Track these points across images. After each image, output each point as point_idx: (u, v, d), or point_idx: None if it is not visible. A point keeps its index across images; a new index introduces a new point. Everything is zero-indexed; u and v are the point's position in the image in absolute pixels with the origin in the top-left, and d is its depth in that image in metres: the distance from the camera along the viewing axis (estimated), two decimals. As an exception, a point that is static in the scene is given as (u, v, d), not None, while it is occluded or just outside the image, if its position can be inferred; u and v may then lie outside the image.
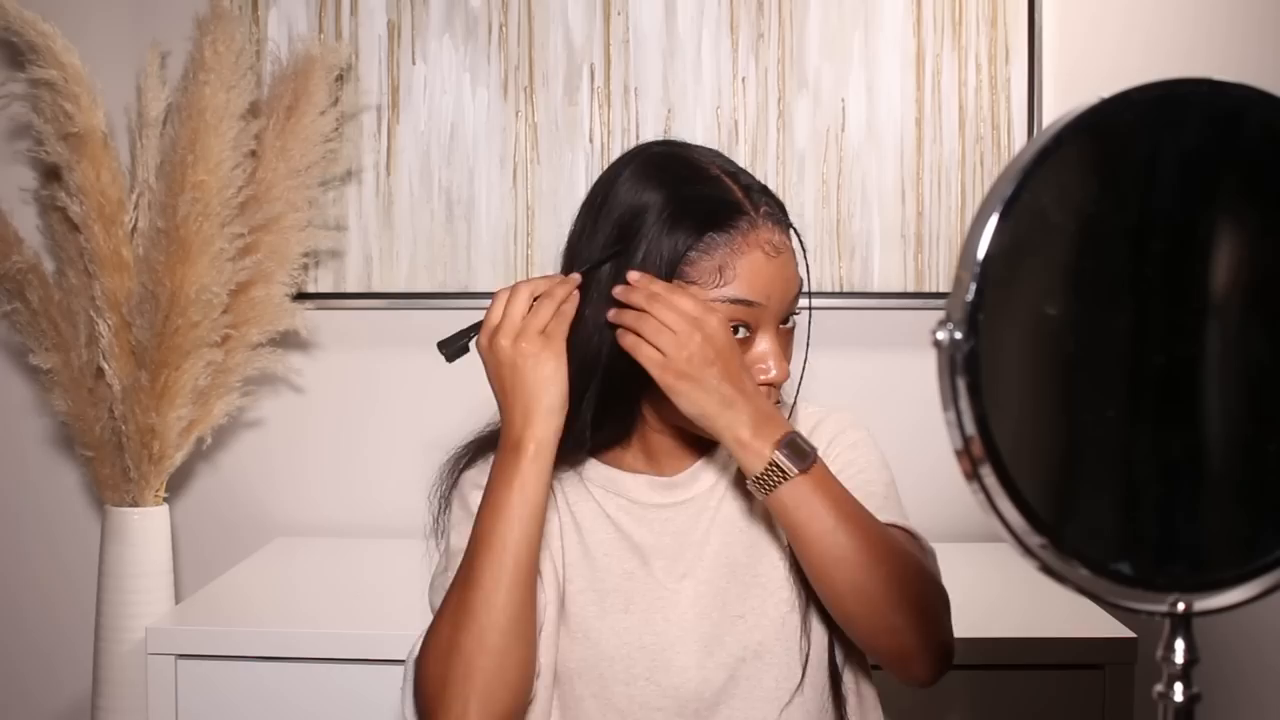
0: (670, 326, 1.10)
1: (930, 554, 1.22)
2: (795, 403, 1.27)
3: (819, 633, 1.21)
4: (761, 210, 1.16)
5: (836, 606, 1.15)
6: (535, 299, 1.13)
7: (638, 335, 1.11)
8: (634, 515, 1.23)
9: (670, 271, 1.14)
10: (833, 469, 1.19)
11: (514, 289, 1.14)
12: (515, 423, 1.12)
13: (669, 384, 1.11)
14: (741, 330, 1.15)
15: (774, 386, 1.17)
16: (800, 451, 1.12)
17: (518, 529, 1.11)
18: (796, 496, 1.11)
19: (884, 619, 1.12)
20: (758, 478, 1.12)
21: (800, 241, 1.22)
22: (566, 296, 1.13)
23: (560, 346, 1.12)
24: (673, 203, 1.15)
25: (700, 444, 1.24)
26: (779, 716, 1.18)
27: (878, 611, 1.12)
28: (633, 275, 1.13)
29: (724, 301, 1.13)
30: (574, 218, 1.23)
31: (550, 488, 1.16)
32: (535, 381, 1.11)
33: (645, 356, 1.11)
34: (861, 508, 1.15)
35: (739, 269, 1.14)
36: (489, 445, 1.24)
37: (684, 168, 1.18)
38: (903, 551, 1.15)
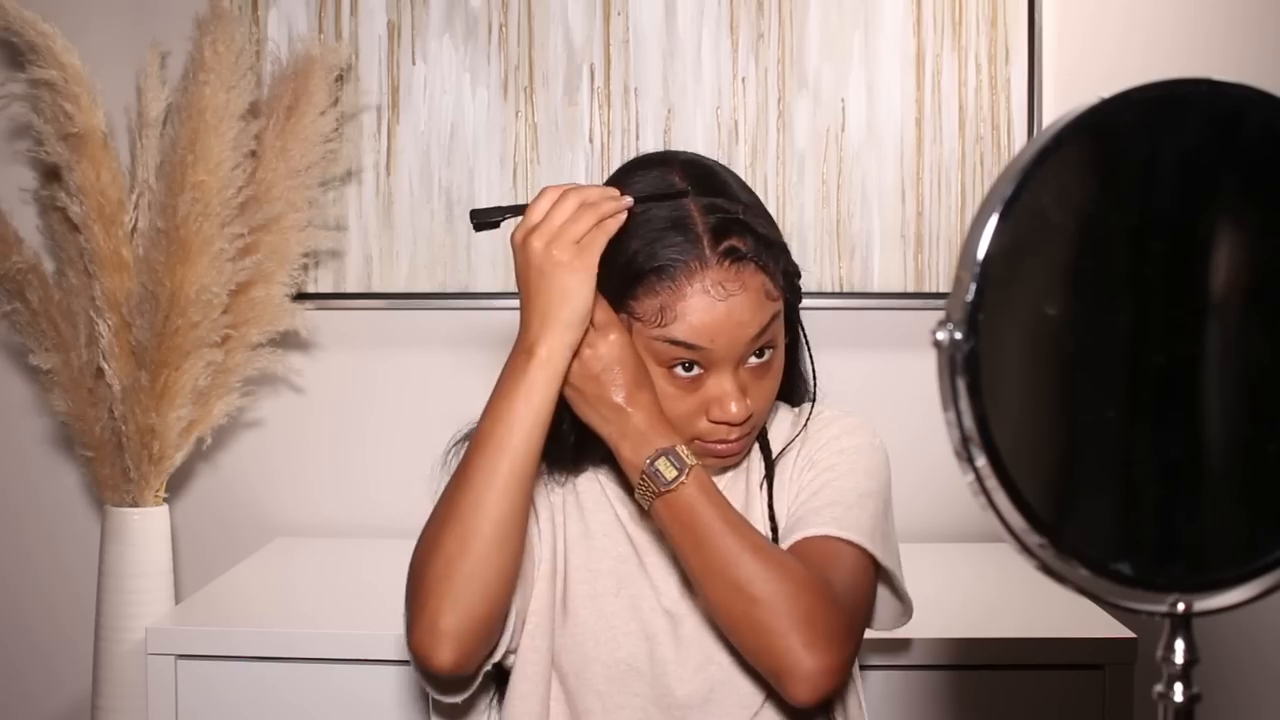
0: None
1: (849, 575, 1.17)
2: (810, 411, 1.27)
3: None
4: (721, 248, 1.13)
5: (714, 617, 1.16)
6: (581, 207, 1.10)
7: None
8: (630, 508, 1.24)
9: (619, 302, 1.14)
10: (815, 466, 1.21)
11: (564, 193, 1.11)
12: (531, 327, 1.11)
13: (566, 396, 1.13)
14: (695, 368, 1.15)
15: (733, 425, 1.16)
16: (675, 466, 1.12)
17: (517, 435, 1.10)
18: (670, 511, 1.12)
19: (756, 636, 1.11)
20: (638, 491, 1.14)
21: (788, 268, 1.18)
22: (613, 213, 1.11)
23: (592, 260, 1.09)
24: (632, 236, 1.13)
25: None
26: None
27: (749, 628, 1.11)
28: None
29: (664, 342, 1.13)
30: None
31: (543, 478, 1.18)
32: (559, 290, 1.09)
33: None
34: (744, 525, 1.13)
35: (680, 311, 1.12)
36: None
37: (662, 194, 1.16)
38: (787, 571, 1.12)
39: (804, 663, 1.09)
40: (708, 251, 1.12)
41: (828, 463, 1.23)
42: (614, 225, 1.11)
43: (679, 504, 1.12)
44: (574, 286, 1.09)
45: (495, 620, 1.13)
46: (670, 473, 1.12)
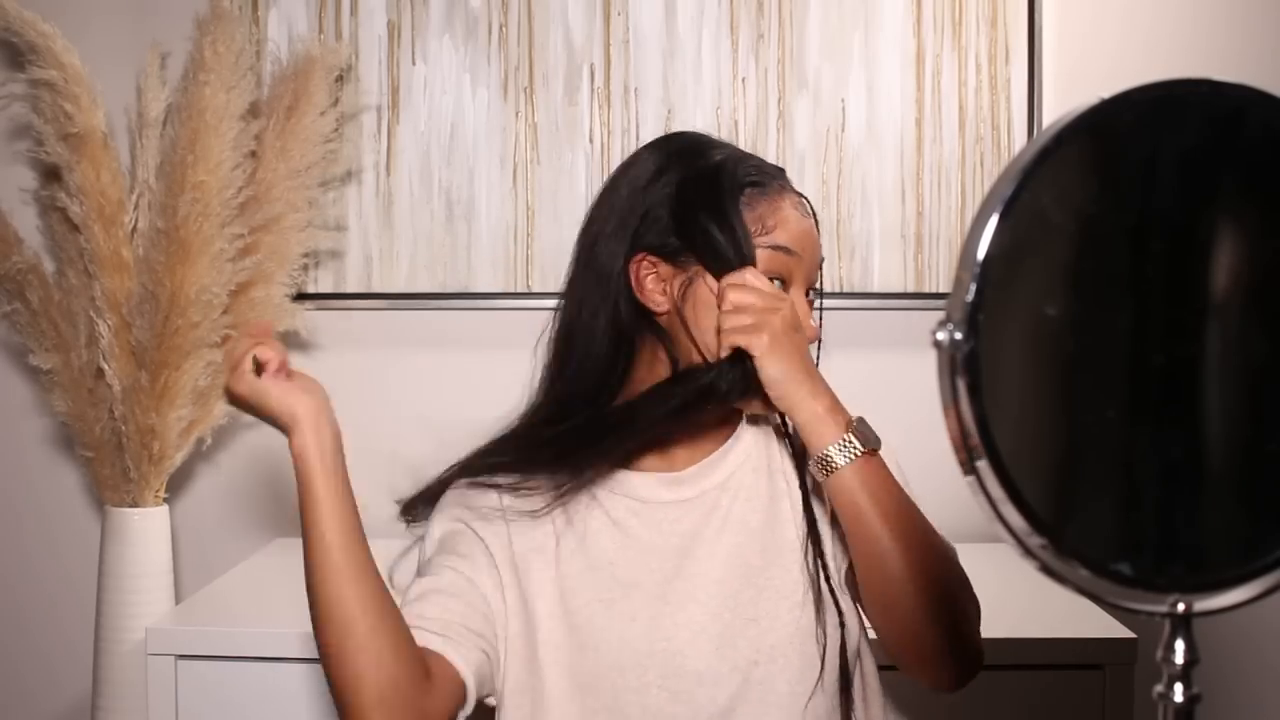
0: (755, 300, 1.13)
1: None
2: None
3: (834, 632, 1.19)
4: (788, 190, 1.22)
5: (875, 601, 1.16)
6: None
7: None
8: (642, 517, 1.21)
9: (722, 221, 1.17)
10: None
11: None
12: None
13: (764, 348, 1.13)
14: (776, 283, 1.18)
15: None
16: (869, 435, 1.15)
17: (314, 532, 1.16)
18: (860, 477, 1.14)
19: (918, 621, 1.13)
20: (824, 456, 1.14)
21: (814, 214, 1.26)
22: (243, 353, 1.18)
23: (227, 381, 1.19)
24: (706, 169, 1.19)
25: (714, 438, 1.24)
26: None
27: (914, 612, 1.13)
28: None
29: (768, 249, 1.17)
30: (581, 218, 1.24)
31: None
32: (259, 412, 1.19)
33: (733, 324, 1.13)
34: (915, 506, 1.17)
35: (779, 219, 1.19)
36: (469, 469, 1.25)
37: (703, 146, 1.23)
38: (949, 557, 1.17)
39: (960, 652, 1.17)
40: (780, 176, 1.22)
41: None
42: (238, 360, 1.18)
43: (869, 471, 1.14)
44: (268, 407, 1.20)
45: (414, 681, 1.09)
46: (870, 440, 1.15)
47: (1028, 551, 0.64)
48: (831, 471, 1.14)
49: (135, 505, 1.97)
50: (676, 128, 2.06)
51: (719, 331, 1.15)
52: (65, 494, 2.20)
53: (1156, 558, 0.64)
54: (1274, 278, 0.64)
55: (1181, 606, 0.64)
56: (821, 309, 1.25)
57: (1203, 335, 0.63)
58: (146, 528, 1.97)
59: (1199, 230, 0.64)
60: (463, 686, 1.13)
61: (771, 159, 2.06)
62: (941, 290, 2.07)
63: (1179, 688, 0.65)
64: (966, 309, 0.62)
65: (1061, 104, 2.03)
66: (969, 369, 0.62)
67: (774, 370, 1.13)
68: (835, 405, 1.15)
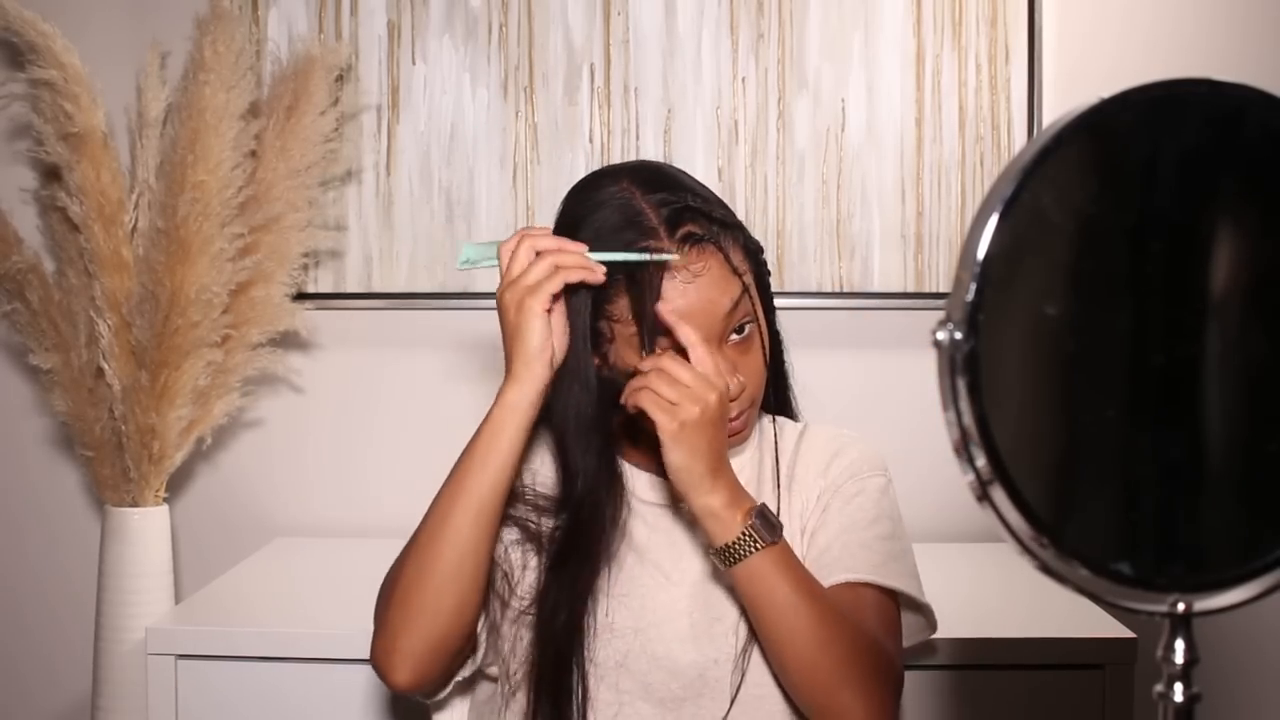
0: (685, 383, 1.11)
1: (888, 622, 1.23)
2: (786, 420, 1.31)
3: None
4: (678, 236, 1.16)
5: (785, 678, 1.17)
6: (538, 255, 1.15)
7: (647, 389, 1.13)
8: (635, 511, 1.25)
9: (595, 312, 1.16)
10: (829, 509, 1.24)
11: (519, 241, 1.16)
12: (506, 374, 1.16)
13: (670, 434, 1.12)
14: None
15: (731, 401, 1.18)
16: (769, 525, 1.14)
17: (481, 473, 1.15)
18: (760, 569, 1.14)
19: (828, 695, 1.14)
20: (724, 547, 1.14)
21: (748, 245, 1.22)
22: (572, 266, 1.14)
23: (538, 301, 1.13)
24: (590, 244, 1.16)
25: None
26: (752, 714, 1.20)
27: (822, 687, 1.14)
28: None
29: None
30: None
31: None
32: (515, 335, 1.14)
33: (651, 402, 1.12)
34: (819, 587, 1.17)
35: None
36: None
37: (608, 204, 1.19)
38: (856, 631, 1.16)
39: (887, 701, 1.16)
40: (665, 241, 1.16)
41: (856, 503, 1.26)
42: (573, 276, 1.14)
43: (769, 562, 1.14)
44: (524, 327, 1.13)
45: (452, 643, 1.17)
46: (769, 531, 1.14)
47: (1028, 551, 0.64)
48: (731, 564, 1.15)
49: (135, 505, 1.97)
50: (676, 127, 2.06)
51: (631, 388, 1.15)
52: (65, 494, 2.20)
53: (1156, 558, 0.64)
54: (1274, 278, 0.64)
55: (1181, 606, 0.65)
56: (772, 323, 1.25)
57: (1203, 335, 0.63)
58: (146, 528, 1.97)
59: (1199, 230, 0.64)
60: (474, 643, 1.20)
61: (771, 159, 2.07)
62: (941, 290, 2.06)
63: (1179, 687, 0.65)
64: (966, 309, 0.62)
65: (1061, 104, 2.03)
66: (969, 369, 0.62)
67: (675, 458, 1.13)
68: (734, 499, 1.14)
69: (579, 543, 1.21)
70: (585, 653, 1.20)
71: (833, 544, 1.23)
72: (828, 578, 1.20)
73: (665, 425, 1.11)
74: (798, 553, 1.20)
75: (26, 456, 2.20)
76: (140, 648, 1.78)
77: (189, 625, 1.73)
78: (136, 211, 1.95)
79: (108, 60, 2.04)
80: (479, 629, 1.21)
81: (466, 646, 1.20)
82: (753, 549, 1.13)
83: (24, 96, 1.98)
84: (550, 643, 1.19)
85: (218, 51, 1.90)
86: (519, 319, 1.14)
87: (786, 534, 1.21)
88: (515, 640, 1.22)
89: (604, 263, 1.15)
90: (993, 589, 1.84)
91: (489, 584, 1.20)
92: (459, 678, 1.23)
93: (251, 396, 2.10)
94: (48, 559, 2.20)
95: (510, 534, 1.24)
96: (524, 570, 1.23)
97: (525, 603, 1.22)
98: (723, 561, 1.15)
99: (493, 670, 1.25)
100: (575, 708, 1.19)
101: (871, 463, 1.29)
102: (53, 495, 2.20)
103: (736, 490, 1.15)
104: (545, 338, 1.14)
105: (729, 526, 1.13)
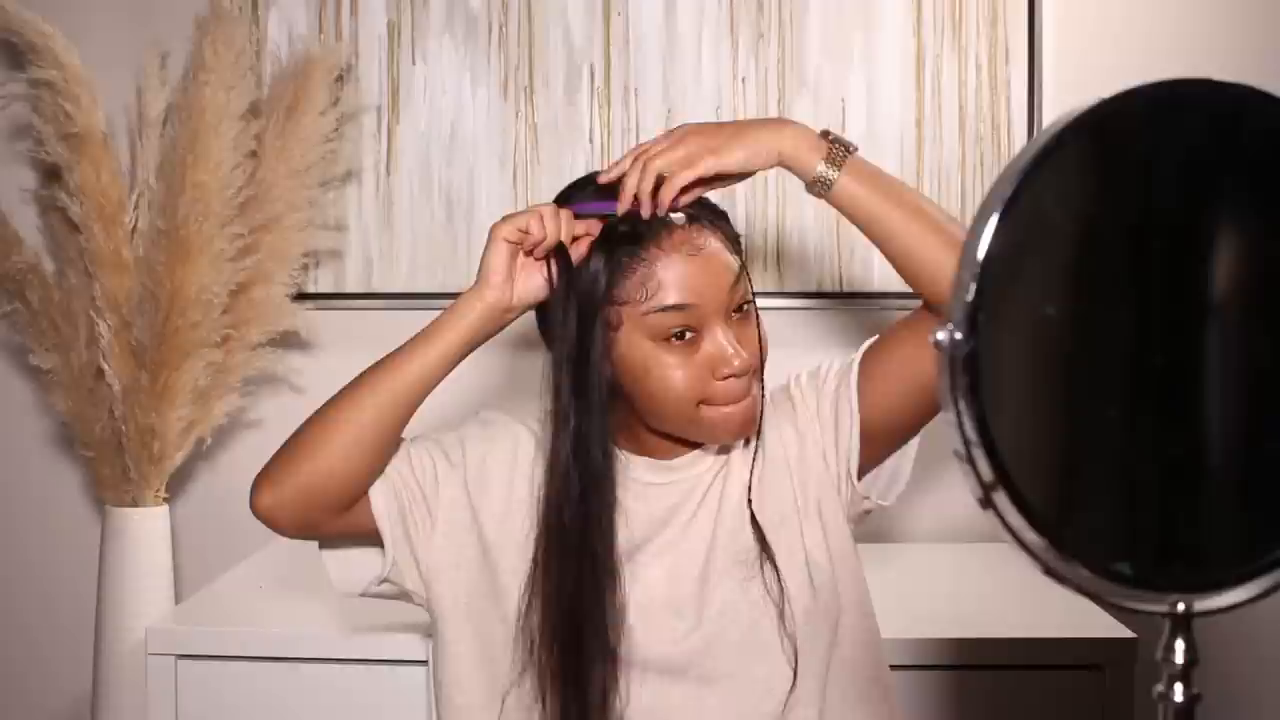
0: (653, 141, 1.20)
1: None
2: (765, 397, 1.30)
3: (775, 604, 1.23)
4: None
5: (910, 269, 1.21)
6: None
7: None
8: (632, 491, 1.26)
9: (605, 300, 1.17)
10: (812, 391, 1.28)
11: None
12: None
13: (707, 150, 1.18)
14: (687, 334, 1.18)
15: (741, 376, 1.19)
16: (842, 141, 1.22)
17: (402, 358, 1.24)
18: (860, 175, 1.21)
19: (945, 262, 1.17)
20: (818, 176, 1.20)
21: (728, 232, 1.24)
22: (549, 216, 1.19)
23: (508, 231, 1.19)
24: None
25: (691, 442, 1.27)
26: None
27: (941, 258, 1.18)
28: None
29: (657, 313, 1.17)
30: None
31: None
32: (483, 253, 1.21)
33: (654, 158, 1.18)
34: (902, 183, 1.26)
35: (661, 279, 1.17)
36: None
37: (606, 187, 1.23)
38: (937, 209, 1.25)
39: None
40: (664, 223, 1.20)
41: (807, 383, 1.30)
42: (549, 226, 1.19)
43: (862, 165, 1.22)
44: (486, 249, 1.20)
45: (320, 498, 1.21)
46: (844, 140, 1.22)
47: (1028, 551, 0.64)
48: (829, 187, 1.20)
49: (135, 505, 1.97)
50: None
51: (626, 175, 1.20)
52: (65, 494, 2.20)
53: (1156, 558, 0.64)
54: (1274, 278, 0.64)
55: (1181, 606, 0.64)
56: (756, 307, 1.26)
57: (1203, 335, 0.63)
58: (146, 528, 1.97)
59: (1199, 230, 0.64)
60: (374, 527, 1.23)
61: (771, 159, 2.07)
62: (941, 290, 2.06)
63: (1179, 688, 0.65)
64: (966, 309, 0.62)
65: (1061, 104, 2.02)
66: (969, 369, 0.62)
67: (740, 157, 1.19)
68: (798, 129, 1.21)
69: (580, 530, 1.22)
70: (605, 637, 1.21)
71: (824, 406, 1.27)
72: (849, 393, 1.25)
73: (694, 159, 1.18)
74: (824, 477, 1.26)
75: (27, 456, 2.20)
76: (140, 648, 1.78)
77: (189, 625, 1.73)
78: (136, 212, 1.95)
79: (108, 60, 2.04)
80: (387, 539, 1.23)
81: (339, 509, 1.22)
82: (844, 154, 1.21)
83: (24, 97, 1.98)
84: (571, 630, 1.20)
85: (218, 52, 1.90)
86: (486, 244, 1.20)
87: (800, 491, 1.25)
88: (519, 633, 1.23)
89: (609, 216, 1.18)
90: (993, 589, 1.84)
91: (413, 500, 1.24)
92: (373, 589, 1.25)
93: (252, 397, 2.10)
94: (48, 559, 2.20)
95: (514, 518, 1.26)
96: (523, 548, 1.25)
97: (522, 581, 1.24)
98: (820, 188, 1.20)
99: (427, 604, 1.27)
100: (597, 694, 1.21)
101: (792, 376, 1.32)
102: (53, 495, 2.20)
103: (788, 124, 1.22)
104: (504, 264, 1.19)
105: (816, 147, 1.20)
